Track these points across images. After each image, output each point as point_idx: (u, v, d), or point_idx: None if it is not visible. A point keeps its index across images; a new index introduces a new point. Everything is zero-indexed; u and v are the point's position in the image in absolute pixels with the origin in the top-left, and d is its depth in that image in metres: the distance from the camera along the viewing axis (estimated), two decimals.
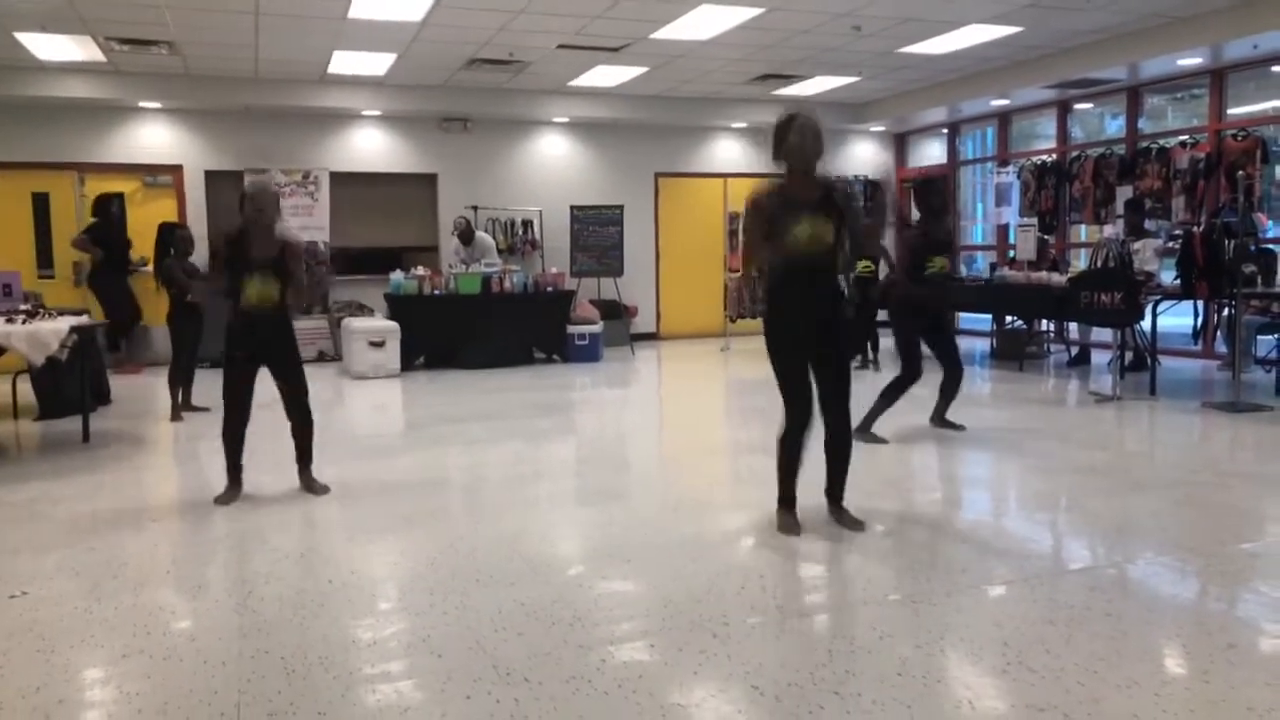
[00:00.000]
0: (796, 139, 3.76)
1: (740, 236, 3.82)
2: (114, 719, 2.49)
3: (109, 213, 9.96)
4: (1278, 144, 8.89)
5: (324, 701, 2.54)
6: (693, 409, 8.24)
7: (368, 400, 8.24)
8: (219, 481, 4.75)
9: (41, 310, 6.51)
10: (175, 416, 7.05)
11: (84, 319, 6.72)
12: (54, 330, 5.93)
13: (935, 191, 5.97)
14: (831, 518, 4.06)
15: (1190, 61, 9.05)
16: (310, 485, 4.76)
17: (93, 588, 3.50)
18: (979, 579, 3.44)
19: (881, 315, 7.14)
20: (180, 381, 7.20)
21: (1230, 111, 9.40)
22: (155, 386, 7.68)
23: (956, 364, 6.00)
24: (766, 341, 3.91)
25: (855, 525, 4.00)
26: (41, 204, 10.32)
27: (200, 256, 6.85)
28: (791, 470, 3.96)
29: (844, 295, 3.90)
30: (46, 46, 8.62)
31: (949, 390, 6.01)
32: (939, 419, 6.06)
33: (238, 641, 2.95)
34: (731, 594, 3.39)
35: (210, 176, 10.82)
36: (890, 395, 5.76)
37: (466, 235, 10.54)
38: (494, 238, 11.47)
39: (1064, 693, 2.52)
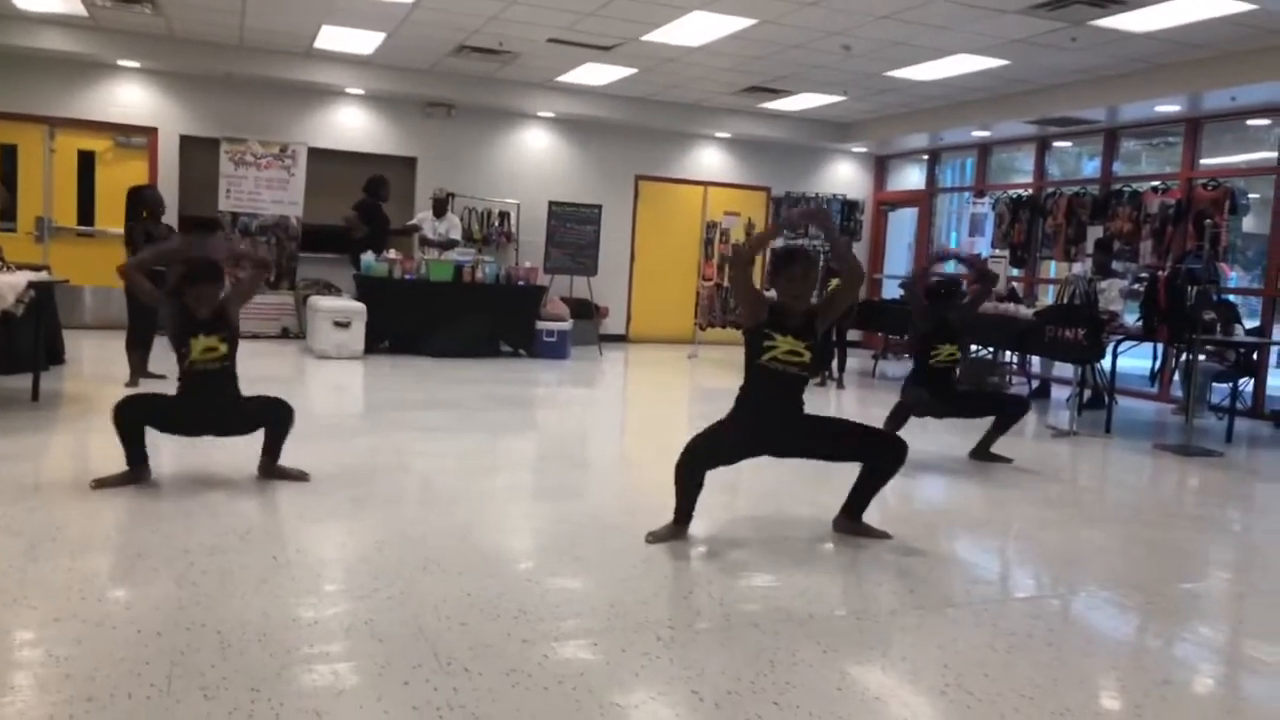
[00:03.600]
0: (789, 281, 3.88)
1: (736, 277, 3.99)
2: (41, 682, 2.43)
3: (379, 192, 10.25)
4: (1247, 196, 9.07)
5: (258, 678, 2.50)
6: (655, 413, 8.25)
7: (328, 380, 8.15)
8: (167, 450, 4.67)
9: (1, 264, 6.37)
10: (132, 382, 6.93)
11: (43, 275, 6.58)
12: (10, 284, 5.80)
13: (943, 282, 5.94)
14: (848, 531, 4.11)
15: (1169, 108, 9.22)
16: (277, 474, 4.54)
17: (29, 548, 3.42)
18: (925, 601, 3.46)
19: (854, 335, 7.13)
20: (138, 347, 7.08)
21: (1203, 161, 9.58)
22: (114, 350, 7.53)
23: (1002, 405, 6.05)
24: (728, 417, 3.94)
25: (881, 535, 4.10)
26: (9, 156, 10.11)
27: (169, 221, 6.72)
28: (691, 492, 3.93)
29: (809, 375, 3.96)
30: None
31: (1000, 425, 5.97)
32: (983, 452, 6.02)
33: (174, 613, 2.90)
34: (679, 599, 3.39)
35: (185, 141, 10.66)
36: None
37: (440, 207, 10.57)
38: (470, 227, 11.46)
39: (999, 717, 2.54)
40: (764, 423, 3.91)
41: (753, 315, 3.90)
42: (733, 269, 4.08)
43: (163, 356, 6.86)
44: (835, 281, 9.68)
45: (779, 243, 11.27)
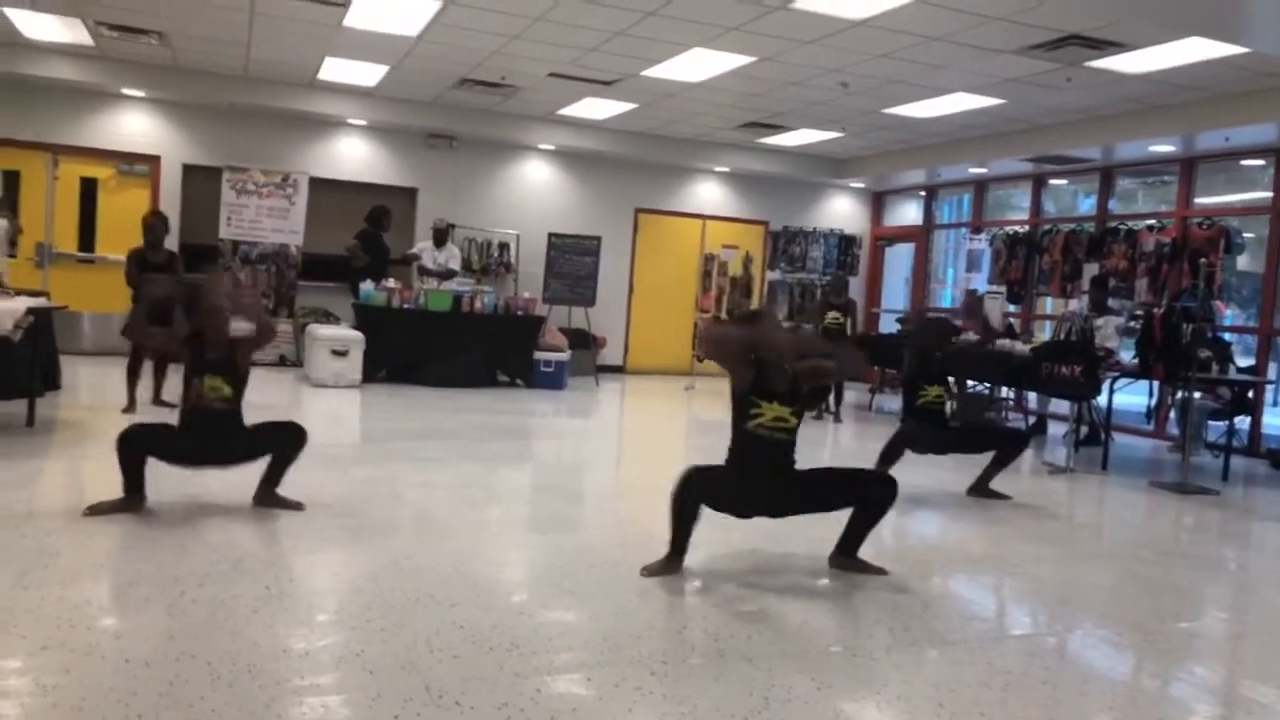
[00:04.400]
0: (771, 338, 3.92)
1: (724, 338, 4.03)
2: (28, 712, 2.41)
3: (380, 222, 10.40)
4: (1241, 235, 9.13)
5: (247, 711, 2.48)
6: (651, 445, 8.23)
7: (325, 409, 8.14)
8: (163, 477, 4.65)
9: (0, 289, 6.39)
10: (129, 408, 6.92)
11: (42, 301, 6.59)
12: (9, 310, 5.81)
13: (929, 332, 5.99)
14: (844, 568, 4.11)
15: (1163, 148, 9.30)
16: (273, 502, 4.53)
17: (20, 576, 3.40)
18: (920, 638, 3.45)
19: None
20: (139, 374, 7.09)
21: (1198, 200, 9.65)
22: (112, 377, 7.53)
23: (1001, 441, 6.07)
24: (724, 468, 3.95)
25: (877, 571, 4.09)
26: (11, 182, 10.15)
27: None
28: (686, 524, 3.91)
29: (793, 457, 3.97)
30: (34, 25, 8.53)
31: (999, 461, 5.97)
32: (982, 488, 6.00)
33: (164, 643, 2.88)
34: (673, 633, 3.37)
35: (188, 170, 10.72)
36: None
37: (441, 237, 10.63)
38: (469, 257, 11.51)
39: None
40: (754, 489, 3.92)
41: (741, 381, 3.92)
42: (708, 348, 4.15)
43: (173, 379, 6.88)
44: (832, 314, 9.80)
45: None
